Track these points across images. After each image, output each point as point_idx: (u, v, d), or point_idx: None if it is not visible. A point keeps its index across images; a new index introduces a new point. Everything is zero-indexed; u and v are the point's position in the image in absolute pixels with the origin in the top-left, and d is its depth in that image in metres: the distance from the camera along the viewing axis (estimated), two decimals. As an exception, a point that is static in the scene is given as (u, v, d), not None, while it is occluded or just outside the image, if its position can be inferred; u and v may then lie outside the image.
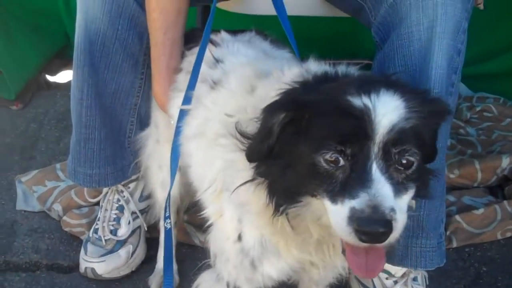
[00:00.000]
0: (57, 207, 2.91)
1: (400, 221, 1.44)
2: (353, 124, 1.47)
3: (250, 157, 1.65)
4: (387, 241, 1.44)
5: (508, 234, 2.79)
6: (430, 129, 1.60)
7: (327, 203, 1.51)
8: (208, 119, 1.94)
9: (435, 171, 1.69)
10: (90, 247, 2.60)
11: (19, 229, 2.89)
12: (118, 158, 2.57)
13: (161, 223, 2.66)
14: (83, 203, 2.93)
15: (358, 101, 1.48)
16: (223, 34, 2.24)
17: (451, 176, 2.99)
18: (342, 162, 1.49)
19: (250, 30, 2.30)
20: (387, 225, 1.41)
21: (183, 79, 2.21)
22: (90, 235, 2.65)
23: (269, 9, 2.26)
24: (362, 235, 1.42)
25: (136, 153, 2.59)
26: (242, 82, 1.89)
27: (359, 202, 1.43)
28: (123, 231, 2.64)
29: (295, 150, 1.56)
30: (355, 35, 3.28)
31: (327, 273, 1.98)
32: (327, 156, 1.49)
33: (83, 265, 2.58)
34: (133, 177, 2.66)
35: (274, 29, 2.30)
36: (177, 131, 2.10)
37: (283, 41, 2.23)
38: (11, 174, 3.23)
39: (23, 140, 3.56)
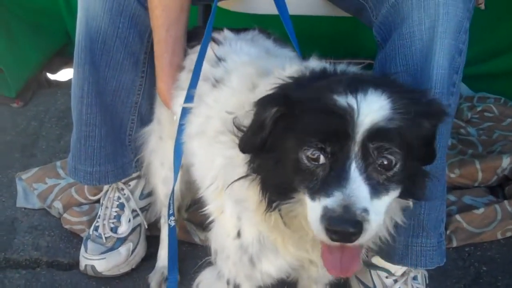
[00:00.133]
0: (58, 204, 2.91)
1: (373, 222, 1.44)
2: (334, 123, 1.48)
3: (242, 148, 1.66)
4: (357, 242, 1.45)
5: (508, 234, 2.79)
6: (421, 130, 1.58)
7: (307, 200, 1.53)
8: (209, 117, 1.94)
9: (431, 173, 1.69)
10: (90, 244, 2.60)
11: (19, 226, 2.89)
12: (118, 156, 2.57)
13: (162, 221, 2.67)
14: (83, 201, 2.93)
15: (343, 100, 1.49)
16: (226, 33, 2.24)
17: (452, 175, 2.99)
18: (322, 160, 1.50)
19: (253, 28, 2.30)
20: (357, 225, 1.42)
21: (185, 77, 2.21)
22: (91, 233, 2.66)
23: (270, 8, 2.26)
24: (332, 234, 1.44)
25: (136, 151, 2.59)
26: (243, 80, 1.90)
27: (332, 201, 1.44)
28: (123, 228, 2.64)
29: (285, 144, 1.58)
30: (357, 35, 3.28)
31: (326, 272, 1.97)
32: (308, 153, 1.51)
33: (83, 262, 2.58)
34: (134, 175, 2.66)
35: (275, 28, 2.30)
36: (180, 129, 2.10)
37: (285, 40, 2.22)
38: (11, 171, 3.23)
39: (23, 138, 3.57)
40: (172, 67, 2.29)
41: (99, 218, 2.68)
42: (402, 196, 1.60)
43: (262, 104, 1.61)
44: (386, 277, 2.31)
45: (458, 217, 2.80)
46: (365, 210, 1.43)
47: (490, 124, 3.51)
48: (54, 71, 4.20)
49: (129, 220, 2.66)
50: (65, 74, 4.17)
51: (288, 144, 1.56)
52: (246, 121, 1.69)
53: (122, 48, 2.36)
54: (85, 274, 2.59)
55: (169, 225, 2.22)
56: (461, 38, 1.97)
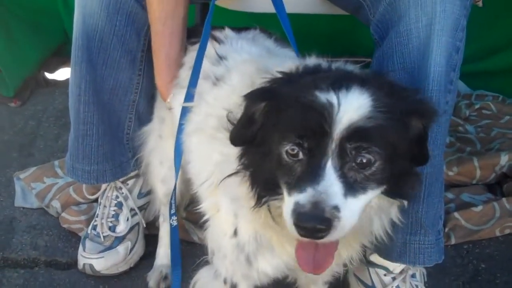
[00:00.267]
0: (56, 203, 2.91)
1: (344, 220, 1.45)
2: (312, 119, 1.48)
3: (232, 141, 1.68)
4: (326, 239, 1.45)
5: (507, 231, 2.80)
6: (409, 130, 1.57)
7: (285, 195, 1.53)
8: (208, 114, 1.94)
9: (419, 173, 1.68)
10: (88, 243, 2.60)
11: (18, 225, 2.89)
12: (116, 155, 2.57)
13: (160, 219, 2.68)
14: (81, 200, 2.93)
15: (323, 96, 1.49)
16: (227, 31, 2.25)
17: (450, 173, 2.99)
18: (301, 155, 1.51)
19: (254, 28, 2.30)
20: (324, 222, 1.42)
21: (185, 75, 2.21)
22: (89, 232, 2.66)
23: (268, 7, 2.26)
24: (301, 230, 1.45)
25: (134, 150, 2.59)
26: (244, 78, 1.90)
27: (303, 197, 1.45)
28: (121, 227, 2.64)
29: (270, 139, 1.59)
30: (354, 33, 3.27)
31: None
32: (287, 148, 1.52)
33: (82, 261, 2.58)
34: (132, 174, 2.66)
35: (273, 27, 2.30)
36: (180, 129, 2.10)
37: (286, 40, 2.22)
38: (9, 171, 3.23)
39: (21, 137, 3.56)
40: (169, 60, 2.29)
41: (97, 217, 2.68)
42: (390, 195, 1.61)
43: (250, 98, 1.63)
44: (385, 275, 2.31)
45: (456, 214, 2.80)
46: (336, 208, 1.43)
47: (488, 121, 3.51)
48: (52, 71, 4.20)
49: (127, 219, 2.66)
50: (63, 74, 4.17)
51: (273, 138, 1.57)
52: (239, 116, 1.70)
53: (119, 46, 2.36)
54: (83, 273, 2.59)
55: (171, 224, 2.21)
56: (458, 36, 1.96)
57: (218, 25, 2.26)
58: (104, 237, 2.61)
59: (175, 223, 2.20)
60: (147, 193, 2.73)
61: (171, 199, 2.21)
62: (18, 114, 3.79)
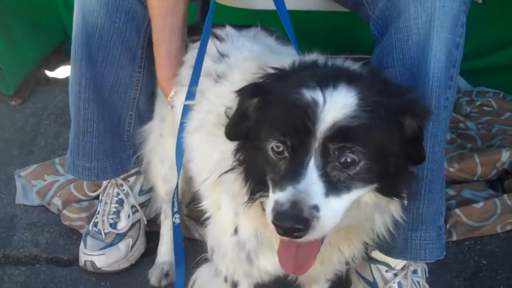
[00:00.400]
0: (57, 201, 2.91)
1: (324, 220, 1.44)
2: (296, 117, 1.48)
3: (227, 135, 1.68)
4: (305, 238, 1.45)
5: (508, 228, 2.80)
6: (400, 129, 1.55)
7: (270, 192, 1.53)
8: (209, 111, 1.94)
9: (415, 173, 1.68)
10: (89, 240, 2.60)
11: (19, 223, 2.89)
12: (117, 151, 2.57)
13: (161, 217, 2.68)
14: (82, 197, 2.93)
15: (309, 94, 1.49)
16: (228, 29, 2.25)
17: (451, 170, 2.99)
18: (286, 153, 1.50)
19: (256, 25, 2.30)
20: (302, 222, 1.41)
21: (186, 73, 2.21)
22: (90, 229, 2.66)
23: (268, 4, 2.26)
24: (278, 229, 1.44)
25: (135, 147, 2.59)
26: (245, 75, 1.90)
27: (283, 195, 1.45)
28: (122, 224, 2.65)
29: (261, 135, 1.58)
30: (354, 30, 3.26)
31: (324, 269, 1.97)
32: (273, 145, 1.52)
33: (83, 258, 2.59)
34: (133, 170, 2.67)
35: (273, 24, 2.30)
36: (181, 127, 2.10)
37: (287, 38, 2.22)
38: (10, 168, 3.23)
39: (22, 135, 3.57)
40: (170, 56, 2.29)
41: (98, 214, 2.68)
42: (385, 194, 1.60)
43: (242, 93, 1.64)
44: (386, 271, 2.31)
45: (457, 211, 2.80)
46: (315, 207, 1.42)
47: (489, 118, 3.51)
48: (52, 69, 4.20)
49: (128, 216, 2.66)
50: (63, 72, 4.17)
51: (262, 134, 1.57)
52: None
53: (118, 43, 2.37)
54: (84, 270, 2.59)
55: (173, 222, 2.21)
56: (458, 32, 1.96)
57: (219, 23, 2.26)
58: (105, 234, 2.61)
59: (177, 221, 2.19)
60: (148, 190, 2.73)
61: (173, 197, 2.21)
62: (19, 112, 3.79)
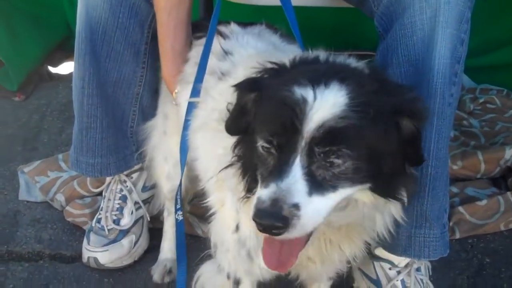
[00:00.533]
0: (60, 197, 2.92)
1: (305, 219, 1.43)
2: (284, 115, 1.47)
3: (228, 129, 1.69)
4: (284, 236, 1.44)
5: (511, 226, 2.79)
6: (392, 129, 1.53)
7: (258, 187, 1.53)
8: (214, 109, 1.94)
9: (414, 174, 1.66)
10: (93, 236, 2.60)
11: (22, 219, 2.90)
12: (120, 147, 2.57)
13: (165, 213, 2.68)
14: (85, 194, 2.93)
15: (299, 92, 1.48)
16: (233, 26, 2.24)
17: (454, 167, 2.98)
18: (273, 150, 1.50)
19: (260, 23, 2.30)
20: (281, 220, 1.41)
21: (191, 70, 2.21)
22: (93, 225, 2.66)
23: (271, 0, 2.26)
24: (258, 226, 1.44)
25: (138, 143, 2.59)
26: (249, 72, 1.89)
27: (265, 192, 1.44)
28: (126, 221, 2.65)
29: (255, 130, 1.59)
30: (358, 26, 3.25)
31: (326, 268, 1.96)
32: (262, 142, 1.52)
33: (86, 254, 2.59)
34: (136, 167, 2.66)
35: (276, 20, 2.30)
36: (186, 124, 2.10)
37: (292, 36, 2.21)
38: (13, 164, 3.23)
39: (25, 131, 3.57)
40: (174, 51, 2.29)
41: (101, 210, 2.68)
42: (381, 195, 1.59)
43: (240, 88, 1.65)
44: (390, 269, 2.31)
45: (461, 208, 2.79)
46: (295, 206, 1.42)
47: (492, 115, 3.50)
48: (55, 65, 4.20)
49: (132, 212, 2.66)
50: (66, 68, 4.17)
51: (255, 130, 1.58)
52: None
53: (122, 38, 2.37)
54: (87, 266, 2.60)
55: (176, 219, 2.20)
56: (462, 28, 1.95)
57: (224, 20, 2.25)
58: (108, 230, 2.61)
59: (180, 217, 2.19)
60: (151, 187, 2.73)
61: (176, 194, 2.20)
62: (22, 108, 3.80)
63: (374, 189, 1.57)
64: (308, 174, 1.46)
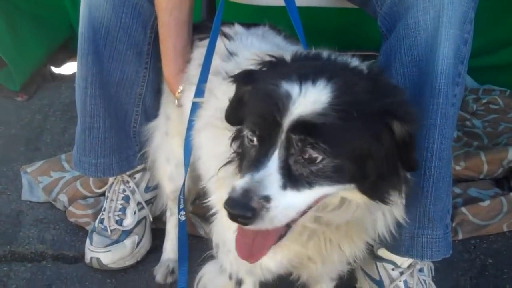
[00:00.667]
0: (63, 197, 2.92)
1: (274, 211, 1.44)
2: (266, 109, 1.49)
3: (227, 119, 1.71)
4: (252, 226, 1.46)
5: (514, 226, 2.79)
6: (378, 132, 1.52)
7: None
8: (217, 108, 1.94)
9: (405, 178, 1.64)
10: (95, 237, 2.60)
11: (25, 219, 2.90)
12: (123, 148, 2.57)
13: (167, 214, 2.68)
14: (88, 194, 2.94)
15: (285, 87, 1.49)
16: (237, 28, 2.24)
17: (457, 168, 2.98)
18: (256, 142, 1.52)
19: (264, 24, 2.30)
20: (249, 211, 1.42)
21: (194, 71, 2.21)
22: (96, 225, 2.66)
23: (274, 0, 2.25)
24: (228, 214, 1.46)
25: (141, 143, 2.59)
26: None
27: (240, 182, 1.46)
28: (128, 221, 2.65)
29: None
30: (362, 26, 3.25)
31: (326, 268, 1.96)
32: (246, 134, 1.55)
33: (89, 255, 2.59)
34: (139, 167, 2.66)
35: (279, 21, 2.30)
36: (190, 125, 2.10)
37: (296, 37, 2.20)
38: (16, 165, 3.23)
39: (28, 132, 3.57)
40: (176, 51, 2.30)
41: (104, 210, 2.68)
42: (369, 196, 1.58)
43: (236, 80, 1.68)
44: (392, 269, 2.30)
45: (463, 209, 2.79)
46: (266, 198, 1.43)
47: (495, 116, 3.49)
48: (58, 65, 4.20)
49: (135, 213, 2.67)
50: (69, 68, 4.17)
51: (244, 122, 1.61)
52: None
53: (125, 38, 2.37)
54: (90, 266, 2.60)
55: (179, 219, 2.20)
56: (466, 28, 1.95)
57: (227, 21, 2.25)
58: (111, 230, 2.62)
59: (183, 218, 2.19)
60: (154, 187, 2.73)
61: (179, 194, 2.20)
62: (25, 108, 3.80)
63: (362, 190, 1.57)
64: (284, 168, 1.47)
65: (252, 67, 1.71)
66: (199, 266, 2.13)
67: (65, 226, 2.85)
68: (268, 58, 1.71)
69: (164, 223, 2.70)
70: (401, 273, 2.30)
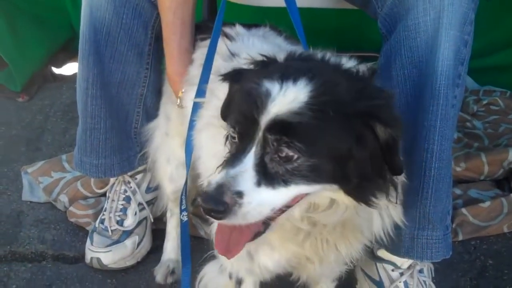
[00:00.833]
0: (63, 198, 2.92)
1: (247, 207, 1.45)
2: (246, 107, 1.51)
3: (222, 115, 1.73)
4: (225, 221, 1.47)
5: (515, 228, 2.79)
6: (359, 133, 1.50)
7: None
8: (217, 108, 1.94)
9: (392, 181, 1.62)
10: (96, 237, 2.61)
11: (25, 219, 2.90)
12: (124, 148, 2.57)
13: (168, 214, 2.68)
14: (89, 194, 2.94)
15: (266, 86, 1.50)
16: (238, 28, 2.25)
17: (458, 169, 2.98)
18: (236, 139, 1.54)
19: (264, 25, 2.30)
20: (221, 206, 1.43)
21: (196, 72, 2.21)
22: (97, 226, 2.66)
23: (274, 1, 2.25)
24: (202, 208, 1.47)
25: (142, 144, 2.59)
26: None
27: (216, 177, 1.48)
28: (129, 221, 2.65)
29: None
30: (362, 27, 3.26)
31: (323, 268, 1.96)
32: (228, 130, 1.58)
33: (89, 255, 2.59)
34: (140, 168, 2.67)
35: (279, 21, 2.30)
36: (191, 125, 2.11)
37: (296, 38, 2.21)
38: (17, 165, 3.24)
39: (29, 132, 3.58)
40: (181, 50, 2.31)
41: (105, 211, 2.68)
42: (353, 198, 1.57)
43: (225, 79, 1.71)
44: (392, 270, 2.30)
45: (464, 210, 2.79)
46: (239, 194, 1.44)
47: (496, 117, 3.49)
48: (59, 65, 4.21)
49: (135, 213, 2.67)
50: (70, 68, 4.17)
51: None
52: None
53: (126, 39, 2.37)
54: (91, 267, 2.60)
55: (181, 220, 2.20)
56: (466, 29, 1.96)
57: (228, 22, 2.26)
58: (112, 231, 2.62)
59: (185, 218, 2.19)
60: (155, 188, 2.73)
61: (181, 194, 2.20)
62: (26, 108, 3.80)
63: (346, 192, 1.56)
64: (260, 165, 1.48)
65: (245, 67, 1.73)
66: (200, 267, 2.13)
67: (65, 226, 2.85)
68: (259, 58, 1.72)
69: (165, 223, 2.71)
70: (401, 274, 2.30)
